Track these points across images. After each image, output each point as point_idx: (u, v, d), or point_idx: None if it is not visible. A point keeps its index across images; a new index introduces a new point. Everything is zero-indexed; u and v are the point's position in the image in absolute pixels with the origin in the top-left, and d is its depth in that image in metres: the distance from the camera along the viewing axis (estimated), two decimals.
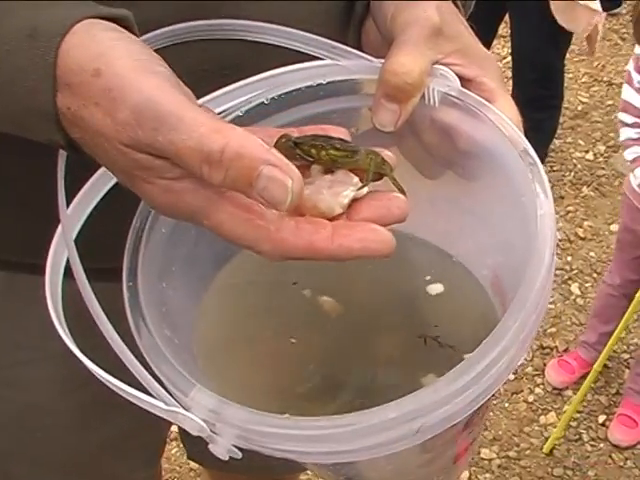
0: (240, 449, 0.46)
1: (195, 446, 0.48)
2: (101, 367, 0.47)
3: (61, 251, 0.51)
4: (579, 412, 2.14)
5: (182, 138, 0.43)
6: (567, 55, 3.75)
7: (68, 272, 0.50)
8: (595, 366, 1.99)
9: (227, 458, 0.46)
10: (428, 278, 0.62)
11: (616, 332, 1.94)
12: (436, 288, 0.62)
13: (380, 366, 0.61)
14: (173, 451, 1.99)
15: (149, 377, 0.47)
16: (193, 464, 1.82)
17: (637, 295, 1.88)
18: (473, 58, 0.57)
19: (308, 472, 1.57)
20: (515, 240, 0.52)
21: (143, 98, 0.44)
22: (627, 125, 1.95)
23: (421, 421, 0.44)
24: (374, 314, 0.63)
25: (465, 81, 0.56)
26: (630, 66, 1.92)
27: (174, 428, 1.18)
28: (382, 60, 0.55)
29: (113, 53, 0.45)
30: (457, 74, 0.56)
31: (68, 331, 0.49)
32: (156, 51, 0.50)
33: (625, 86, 1.94)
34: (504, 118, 0.54)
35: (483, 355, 0.44)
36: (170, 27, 0.56)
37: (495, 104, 0.55)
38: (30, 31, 0.45)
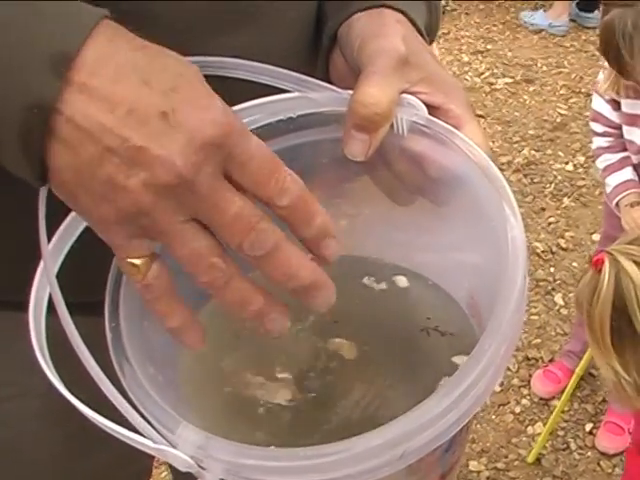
0: None
1: (181, 474, 0.48)
2: (86, 401, 0.47)
3: (43, 287, 0.51)
4: (566, 421, 2.16)
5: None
6: (545, 68, 3.82)
7: (51, 307, 0.50)
8: (577, 370, 2.01)
9: None
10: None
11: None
12: (402, 281, 0.64)
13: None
14: (163, 474, 1.99)
15: (136, 415, 0.47)
16: None
17: None
18: (440, 86, 0.57)
19: None
20: (488, 263, 0.53)
21: None
22: (598, 134, 2.00)
23: (404, 446, 0.44)
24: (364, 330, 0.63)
25: (433, 108, 0.57)
26: (600, 77, 1.96)
27: None
28: (350, 91, 0.56)
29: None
30: (424, 102, 0.57)
31: (53, 367, 0.49)
32: None
33: (595, 96, 1.99)
34: (471, 144, 0.55)
35: (461, 379, 0.45)
36: None
37: (463, 130, 0.56)
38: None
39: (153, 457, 0.92)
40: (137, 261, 0.48)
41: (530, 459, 2.07)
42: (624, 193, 1.92)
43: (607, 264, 1.20)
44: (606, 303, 1.20)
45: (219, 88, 0.54)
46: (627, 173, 1.94)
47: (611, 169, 1.96)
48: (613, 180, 1.95)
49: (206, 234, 0.47)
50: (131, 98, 0.45)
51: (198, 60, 0.57)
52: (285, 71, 0.59)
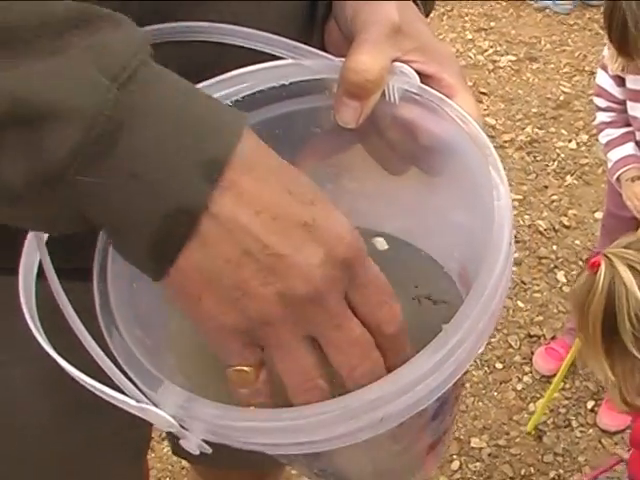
0: (211, 444, 0.47)
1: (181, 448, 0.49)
2: (78, 368, 0.47)
3: (33, 252, 0.51)
4: (567, 399, 2.16)
5: None
6: (548, 46, 3.80)
7: (42, 273, 0.51)
8: (573, 348, 2.00)
9: (198, 452, 0.47)
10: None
11: None
12: (381, 243, 0.63)
13: None
14: (165, 450, 2.00)
15: (120, 374, 0.47)
16: (185, 463, 1.83)
17: None
18: (433, 55, 0.58)
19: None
20: (478, 232, 0.53)
21: None
22: (601, 109, 2.00)
23: (384, 409, 0.44)
24: None
25: (425, 77, 0.57)
26: (605, 52, 1.95)
27: None
28: (343, 59, 0.56)
29: None
30: (417, 71, 0.57)
31: (44, 332, 0.49)
32: None
33: (599, 71, 1.98)
34: (463, 113, 0.55)
35: (443, 344, 0.45)
36: None
37: (455, 99, 0.56)
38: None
39: (150, 426, 0.93)
40: (247, 368, 0.48)
41: (529, 428, 2.08)
42: (625, 168, 1.92)
43: (603, 268, 1.20)
44: (599, 306, 1.21)
45: (214, 53, 0.54)
46: (629, 148, 1.93)
47: (613, 144, 1.96)
48: (614, 155, 1.95)
49: (315, 352, 0.47)
50: (276, 204, 0.44)
51: (194, 25, 0.57)
52: (279, 38, 0.59)
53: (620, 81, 1.91)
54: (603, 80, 1.96)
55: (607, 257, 1.21)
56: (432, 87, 0.57)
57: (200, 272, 0.44)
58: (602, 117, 1.99)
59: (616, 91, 1.93)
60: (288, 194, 0.45)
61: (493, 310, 0.47)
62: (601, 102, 1.98)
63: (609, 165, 1.97)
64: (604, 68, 1.95)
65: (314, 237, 0.44)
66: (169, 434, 1.05)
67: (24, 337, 0.50)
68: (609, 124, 1.97)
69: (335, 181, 0.64)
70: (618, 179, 1.94)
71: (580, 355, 1.47)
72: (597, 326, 1.22)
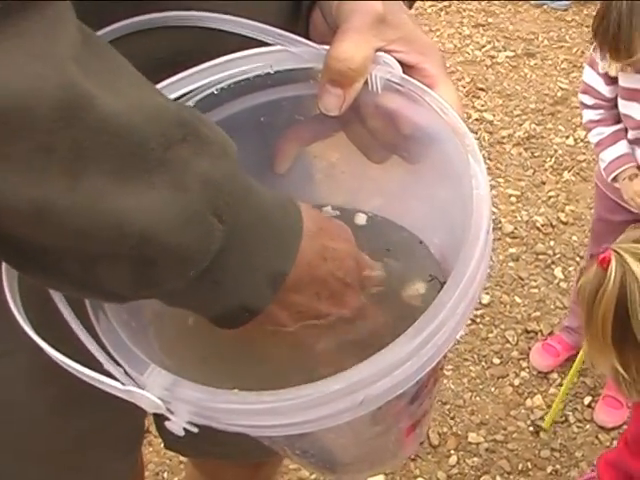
0: (197, 425, 0.49)
1: (170, 435, 0.50)
2: (67, 356, 0.49)
3: None
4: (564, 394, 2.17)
5: None
6: (546, 42, 3.80)
7: None
8: (581, 353, 1.99)
9: (183, 434, 0.49)
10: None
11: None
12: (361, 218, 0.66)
13: None
14: (162, 444, 2.00)
15: (107, 358, 0.49)
16: (183, 457, 1.84)
17: None
18: (416, 45, 0.58)
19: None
20: (457, 220, 0.54)
21: None
22: (588, 107, 1.96)
23: (364, 392, 0.46)
24: None
25: (408, 67, 0.58)
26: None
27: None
28: (327, 47, 0.57)
29: None
30: (400, 61, 0.58)
31: (35, 322, 0.51)
32: (111, 42, 0.52)
33: (587, 68, 1.95)
34: (444, 103, 0.56)
35: (421, 329, 0.46)
36: (128, 20, 0.57)
37: (436, 89, 0.57)
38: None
39: (144, 417, 0.93)
40: None
41: (546, 424, 2.08)
42: (621, 168, 1.87)
43: (614, 263, 1.17)
44: (610, 303, 1.18)
45: (203, 40, 0.55)
46: (622, 147, 1.90)
47: (605, 143, 1.91)
48: (608, 155, 1.90)
49: None
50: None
51: (182, 15, 0.58)
52: (265, 26, 0.60)
53: (609, 79, 1.87)
54: (591, 78, 1.93)
55: (617, 252, 1.19)
56: (414, 77, 0.58)
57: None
58: (590, 115, 1.96)
59: (605, 89, 1.90)
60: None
61: (472, 296, 0.49)
62: (588, 99, 1.95)
63: (602, 165, 1.93)
64: (592, 65, 1.91)
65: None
66: (161, 428, 1.06)
67: (12, 326, 0.51)
68: (598, 122, 1.94)
69: (327, 166, 0.66)
70: (615, 179, 1.89)
71: (587, 352, 1.42)
72: (607, 322, 1.19)
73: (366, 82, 0.57)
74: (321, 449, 0.60)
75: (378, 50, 0.57)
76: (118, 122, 0.42)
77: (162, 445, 1.97)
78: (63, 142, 0.40)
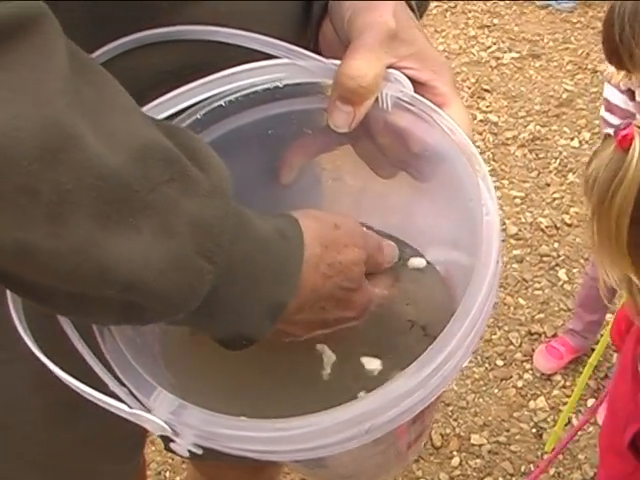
0: (202, 447, 0.49)
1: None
2: (72, 371, 0.49)
3: None
4: (567, 397, 2.16)
5: None
6: (551, 44, 3.80)
7: None
8: (590, 360, 1.96)
9: (187, 455, 0.49)
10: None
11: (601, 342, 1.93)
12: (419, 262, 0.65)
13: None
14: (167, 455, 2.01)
15: (114, 381, 0.49)
16: None
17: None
18: (427, 62, 0.58)
19: None
20: (463, 240, 0.54)
21: None
22: (612, 126, 1.84)
23: (370, 422, 0.46)
24: None
25: (419, 84, 0.58)
26: (611, 68, 1.76)
27: None
28: (336, 61, 0.56)
29: None
30: (411, 77, 0.57)
31: (39, 336, 0.51)
32: (118, 55, 0.51)
33: (607, 86, 1.86)
34: (453, 124, 0.55)
35: (429, 360, 0.47)
36: (137, 34, 0.56)
37: (446, 109, 0.57)
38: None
39: (145, 431, 0.93)
40: None
41: (557, 427, 2.06)
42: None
43: (638, 142, 0.92)
44: (631, 193, 0.91)
45: (210, 53, 0.54)
46: None
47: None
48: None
49: None
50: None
51: (190, 30, 0.58)
52: (273, 40, 0.59)
53: (632, 95, 1.79)
54: (613, 96, 1.84)
55: None
56: (425, 95, 0.57)
57: None
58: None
59: (629, 106, 1.81)
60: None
61: (479, 328, 0.49)
62: (614, 119, 1.84)
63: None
64: (612, 83, 1.82)
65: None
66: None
67: (15, 335, 0.51)
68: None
69: (335, 178, 0.65)
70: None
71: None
72: (624, 219, 0.93)
73: (376, 99, 0.57)
74: (323, 466, 0.61)
75: (390, 66, 0.57)
76: (101, 164, 0.40)
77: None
78: (45, 184, 0.39)
